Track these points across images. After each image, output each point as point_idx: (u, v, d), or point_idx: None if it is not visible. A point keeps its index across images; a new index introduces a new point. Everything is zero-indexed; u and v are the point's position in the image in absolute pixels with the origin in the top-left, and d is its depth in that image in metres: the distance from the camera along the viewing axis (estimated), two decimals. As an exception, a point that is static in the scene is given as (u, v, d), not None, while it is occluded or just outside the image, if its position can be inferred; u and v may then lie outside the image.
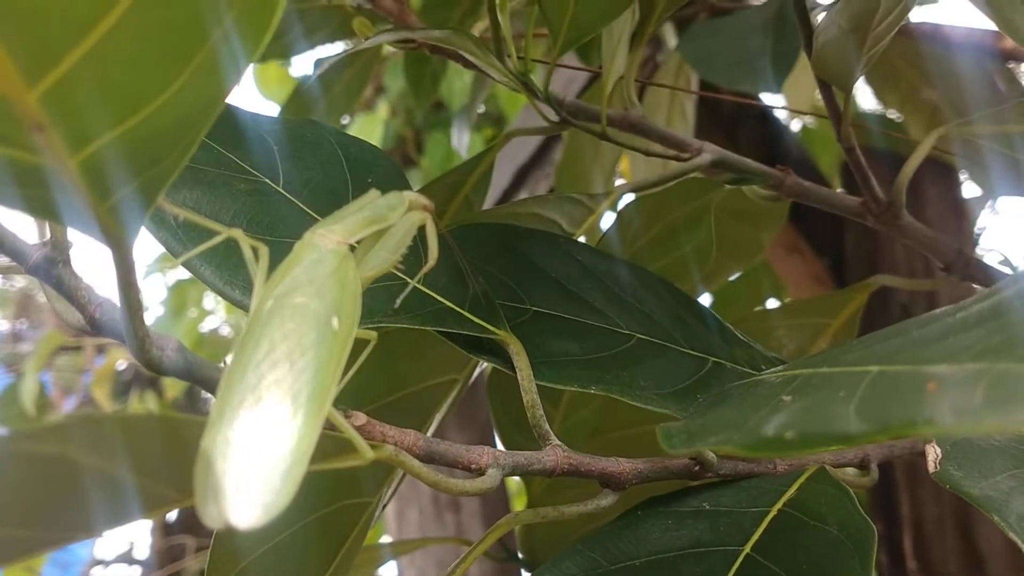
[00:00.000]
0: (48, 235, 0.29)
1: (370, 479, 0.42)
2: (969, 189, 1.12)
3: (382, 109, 2.11)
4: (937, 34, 0.97)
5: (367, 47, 0.51)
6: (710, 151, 0.54)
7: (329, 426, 0.27)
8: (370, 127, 2.05)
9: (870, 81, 1.08)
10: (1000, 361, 0.20)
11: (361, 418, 0.29)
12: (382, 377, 0.41)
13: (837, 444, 0.18)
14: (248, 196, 0.35)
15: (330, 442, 0.27)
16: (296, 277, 0.25)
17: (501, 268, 0.39)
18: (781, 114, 1.34)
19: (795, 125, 1.42)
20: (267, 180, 0.36)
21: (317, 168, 0.38)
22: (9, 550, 0.24)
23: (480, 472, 0.31)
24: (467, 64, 0.58)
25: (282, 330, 0.24)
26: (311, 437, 0.22)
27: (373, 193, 0.29)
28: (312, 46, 0.87)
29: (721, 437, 0.23)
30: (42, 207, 0.23)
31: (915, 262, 1.24)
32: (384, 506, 0.45)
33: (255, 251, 0.27)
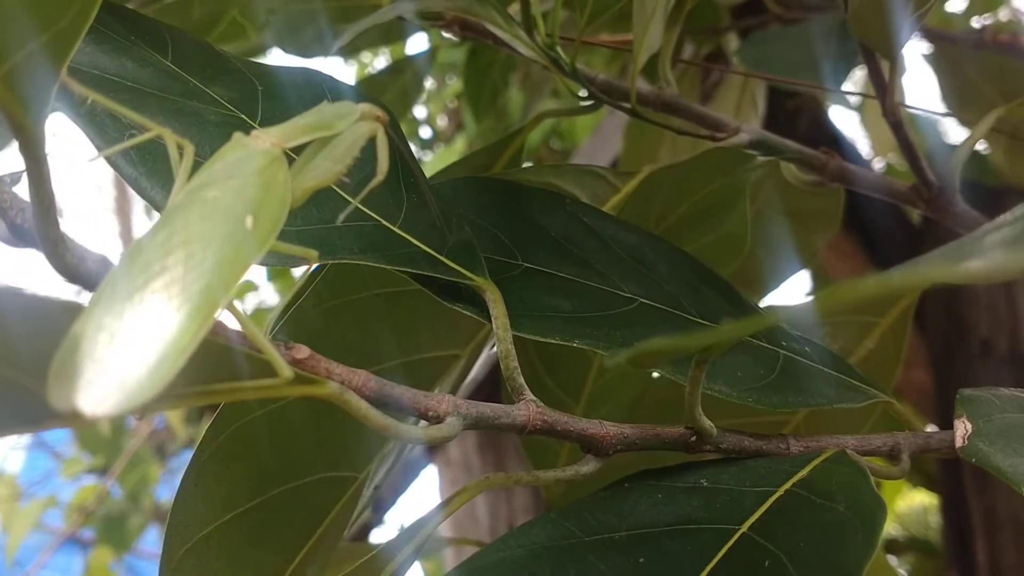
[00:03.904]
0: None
1: (357, 451, 0.39)
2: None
3: (460, 143, 2.13)
4: (1017, 47, 0.92)
5: (385, 20, 0.49)
6: (748, 131, 0.50)
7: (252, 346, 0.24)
8: (447, 159, 2.08)
9: (946, 99, 1.02)
10: None
11: (303, 351, 0.27)
12: (363, 345, 0.38)
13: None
14: (217, 128, 0.32)
15: (251, 363, 0.24)
16: (215, 172, 0.23)
17: (495, 223, 0.36)
18: (862, 151, 1.31)
19: (877, 164, 1.37)
20: (243, 115, 0.34)
21: (301, 109, 0.35)
22: None
23: (438, 420, 0.28)
24: (497, 41, 0.56)
25: (185, 219, 0.21)
26: (193, 334, 0.19)
27: (324, 104, 0.27)
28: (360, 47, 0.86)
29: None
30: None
31: (997, 295, 1.17)
32: (377, 487, 0.42)
33: (181, 151, 0.24)
